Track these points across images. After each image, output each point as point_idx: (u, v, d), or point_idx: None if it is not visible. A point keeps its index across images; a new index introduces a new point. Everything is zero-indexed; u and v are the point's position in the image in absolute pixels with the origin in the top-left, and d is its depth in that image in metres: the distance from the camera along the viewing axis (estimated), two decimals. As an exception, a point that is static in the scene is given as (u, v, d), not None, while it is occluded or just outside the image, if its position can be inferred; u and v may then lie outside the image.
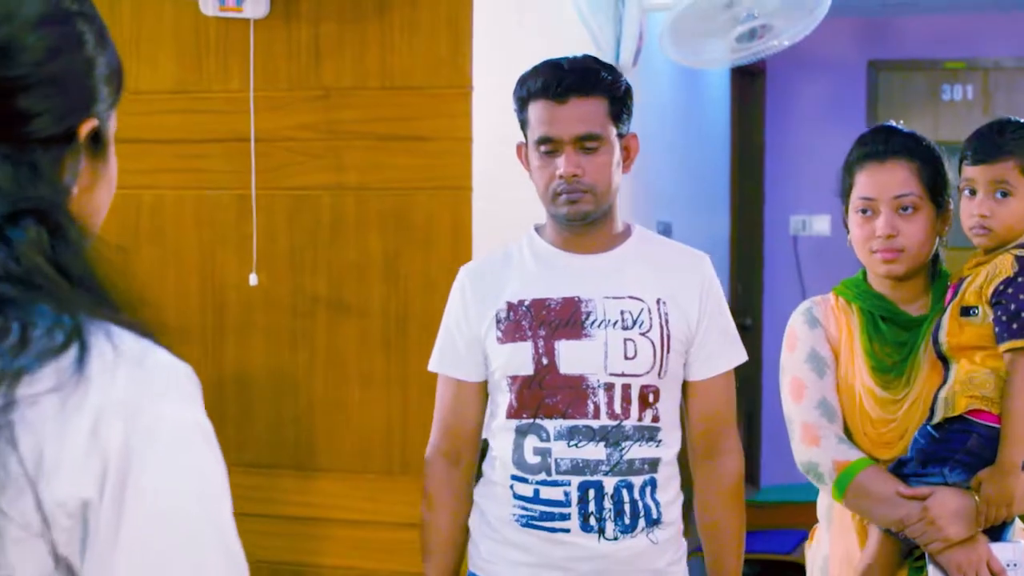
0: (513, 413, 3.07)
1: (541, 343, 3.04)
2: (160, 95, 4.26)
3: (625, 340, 3.03)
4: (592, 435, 3.01)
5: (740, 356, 3.18)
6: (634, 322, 3.05)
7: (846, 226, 3.19)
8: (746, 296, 8.56)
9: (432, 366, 3.22)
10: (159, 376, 1.34)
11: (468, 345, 3.14)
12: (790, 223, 8.70)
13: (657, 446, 3.06)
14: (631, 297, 3.07)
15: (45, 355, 1.28)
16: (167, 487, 1.30)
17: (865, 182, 3.10)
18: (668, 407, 3.09)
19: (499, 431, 3.12)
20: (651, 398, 3.05)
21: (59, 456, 1.25)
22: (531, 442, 3.05)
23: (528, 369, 3.05)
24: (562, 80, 3.02)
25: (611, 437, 3.01)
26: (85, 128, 1.43)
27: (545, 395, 3.04)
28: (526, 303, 3.08)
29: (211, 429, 1.38)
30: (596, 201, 3.04)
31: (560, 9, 4.79)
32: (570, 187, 3.01)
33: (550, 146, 3.03)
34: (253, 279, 4.13)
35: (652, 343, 3.05)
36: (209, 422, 1.37)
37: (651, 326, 3.05)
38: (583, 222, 3.07)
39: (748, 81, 8.58)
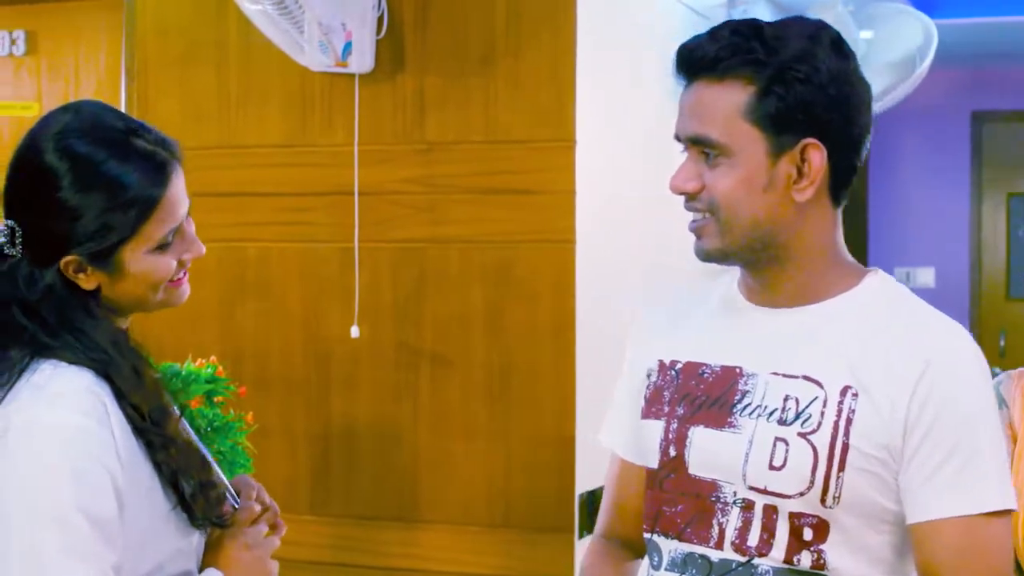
0: (644, 520, 2.16)
1: (675, 425, 2.08)
2: (266, 149, 4.30)
3: (776, 440, 1.99)
4: (707, 571, 2.03)
5: (990, 499, 1.95)
6: (796, 416, 1.99)
7: None
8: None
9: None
10: None
11: (633, 412, 2.20)
12: (895, 275, 8.60)
13: None
14: (805, 377, 2.01)
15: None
16: None
17: None
18: (847, 553, 1.99)
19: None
20: (808, 534, 1.98)
21: None
22: (646, 568, 2.15)
23: (653, 460, 2.12)
24: (694, 51, 2.07)
25: None
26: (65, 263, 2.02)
27: (665, 501, 2.10)
28: (679, 365, 2.13)
29: None
30: (722, 232, 2.04)
31: (664, 60, 4.78)
32: (687, 206, 2.07)
33: (681, 146, 2.10)
34: (355, 331, 4.15)
35: (814, 451, 1.97)
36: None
37: (819, 425, 1.97)
38: (713, 262, 2.10)
39: (851, 132, 8.55)
